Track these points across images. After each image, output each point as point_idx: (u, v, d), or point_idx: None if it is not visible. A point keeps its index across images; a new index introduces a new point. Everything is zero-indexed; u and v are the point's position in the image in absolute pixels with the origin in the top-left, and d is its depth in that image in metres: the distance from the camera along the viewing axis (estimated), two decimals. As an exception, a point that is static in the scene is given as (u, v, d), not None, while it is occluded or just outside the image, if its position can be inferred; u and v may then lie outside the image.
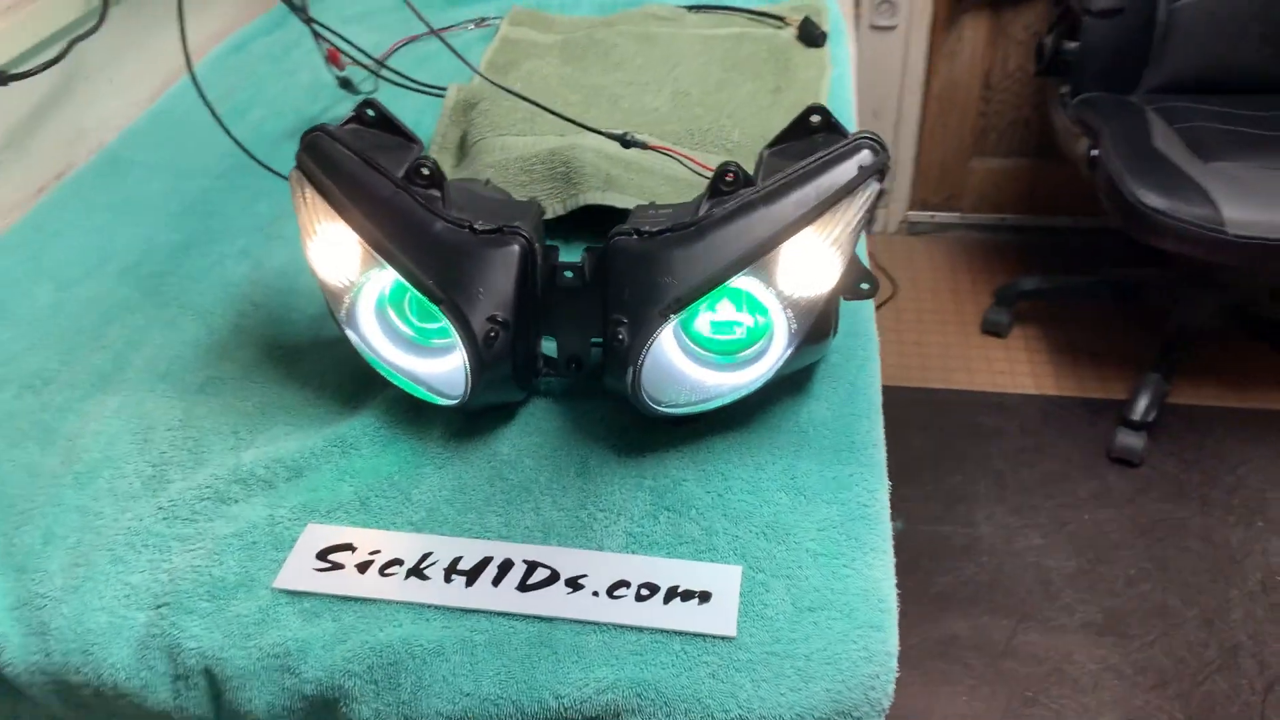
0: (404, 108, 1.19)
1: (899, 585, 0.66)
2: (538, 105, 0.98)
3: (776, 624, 0.63)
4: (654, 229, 0.73)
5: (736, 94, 1.16)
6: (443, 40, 1.17)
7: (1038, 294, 2.10)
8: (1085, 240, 2.30)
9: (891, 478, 0.74)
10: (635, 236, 0.73)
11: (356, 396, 0.81)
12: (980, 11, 2.14)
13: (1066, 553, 1.67)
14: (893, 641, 0.62)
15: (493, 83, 1.05)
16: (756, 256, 0.71)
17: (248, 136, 1.17)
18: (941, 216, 2.40)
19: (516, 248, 0.74)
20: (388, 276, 0.76)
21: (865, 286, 0.81)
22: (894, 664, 0.61)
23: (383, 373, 0.77)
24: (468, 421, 0.78)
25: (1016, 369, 2.02)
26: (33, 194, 1.09)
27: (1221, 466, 1.80)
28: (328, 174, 0.76)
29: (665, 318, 0.71)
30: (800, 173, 0.73)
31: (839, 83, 1.25)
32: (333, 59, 1.15)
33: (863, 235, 0.77)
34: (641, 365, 0.71)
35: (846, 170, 0.73)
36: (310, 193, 0.77)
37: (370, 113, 0.82)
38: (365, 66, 1.17)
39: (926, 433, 1.87)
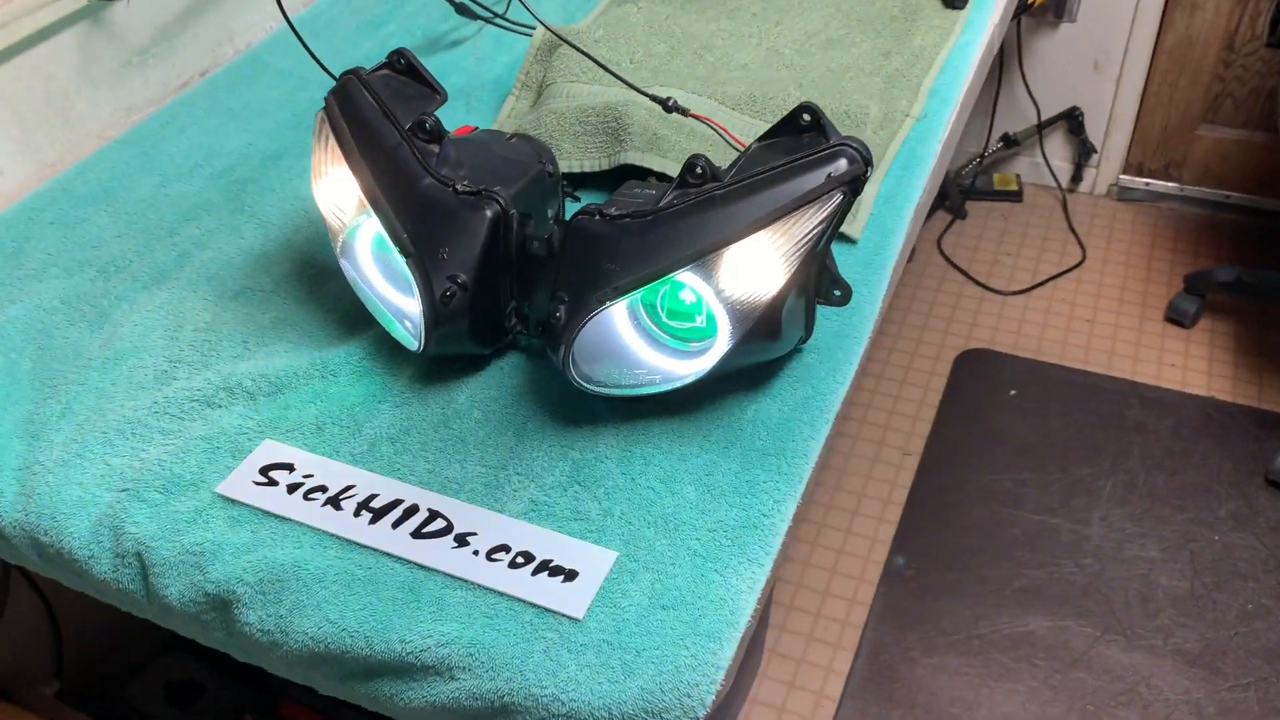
0: (513, 42, 1.23)
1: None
2: (595, 61, 0.99)
3: (625, 614, 0.66)
4: (615, 213, 0.75)
5: (841, 56, 1.13)
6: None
7: (1235, 286, 1.91)
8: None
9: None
10: (597, 218, 0.75)
11: (354, 325, 0.87)
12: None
13: (1182, 572, 1.56)
14: (727, 656, 0.64)
15: (555, 33, 1.07)
16: (702, 255, 0.72)
17: (376, 50, 1.25)
18: (1157, 185, 2.20)
19: (489, 212, 0.77)
20: (374, 225, 0.81)
21: (838, 293, 0.80)
22: (719, 677, 0.63)
23: (370, 307, 0.84)
24: (440, 365, 0.83)
25: (1191, 365, 1.86)
26: (174, 90, 1.21)
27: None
28: (347, 118, 0.82)
29: (602, 303, 0.73)
30: (766, 175, 0.73)
31: (960, 53, 1.18)
32: (449, -14, 1.20)
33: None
34: (573, 344, 0.74)
35: (814, 178, 0.72)
36: (327, 134, 0.83)
37: (401, 61, 0.87)
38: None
39: (1066, 418, 1.77)
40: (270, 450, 0.77)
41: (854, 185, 0.72)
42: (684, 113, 0.96)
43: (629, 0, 1.24)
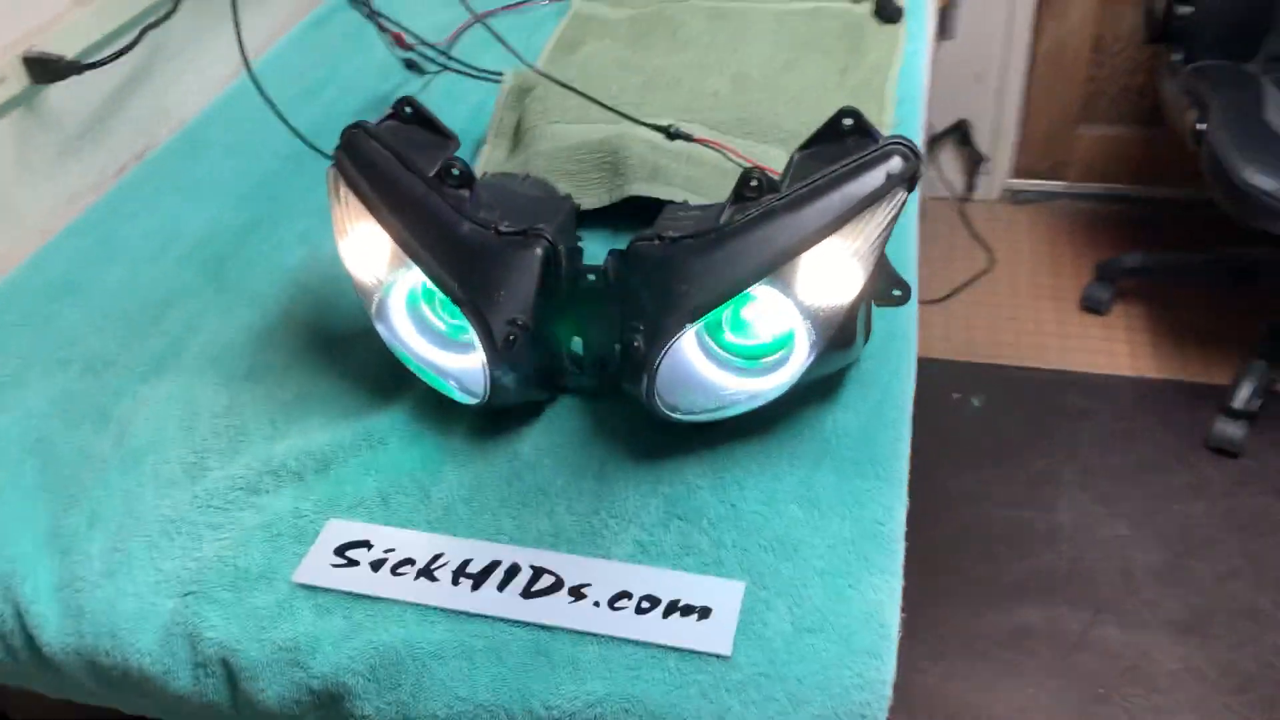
0: (466, 92, 1.20)
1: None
2: (587, 98, 0.98)
3: (773, 644, 0.63)
4: (675, 235, 0.73)
5: (802, 77, 1.14)
6: (489, 29, 1.16)
7: (1143, 271, 2.01)
8: (1197, 215, 2.18)
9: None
10: (656, 242, 0.73)
11: (389, 389, 0.82)
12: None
13: (1153, 546, 1.61)
14: (889, 670, 0.61)
15: (542, 74, 1.05)
16: (776, 266, 0.70)
17: (320, 114, 1.20)
18: (1046, 185, 2.31)
19: (539, 250, 0.74)
20: (417, 275, 0.77)
21: (897, 293, 0.79)
22: (888, 693, 0.61)
23: (411, 368, 0.79)
24: (493, 418, 0.79)
25: (1115, 349, 1.94)
26: (114, 174, 1.14)
27: (1331, 458, 1.70)
28: (363, 172, 0.78)
29: (682, 326, 0.71)
30: (826, 179, 0.71)
31: (911, 62, 1.21)
32: (398, 41, 1.16)
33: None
34: (656, 373, 0.71)
35: (874, 178, 0.71)
36: (345, 191, 0.78)
37: (408, 110, 0.83)
38: (431, 49, 1.18)
39: (1013, 414, 1.82)
40: (339, 530, 0.72)
41: (911, 182, 0.72)
42: (688, 138, 0.95)
43: (579, 45, 1.23)
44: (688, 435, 0.76)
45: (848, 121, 0.77)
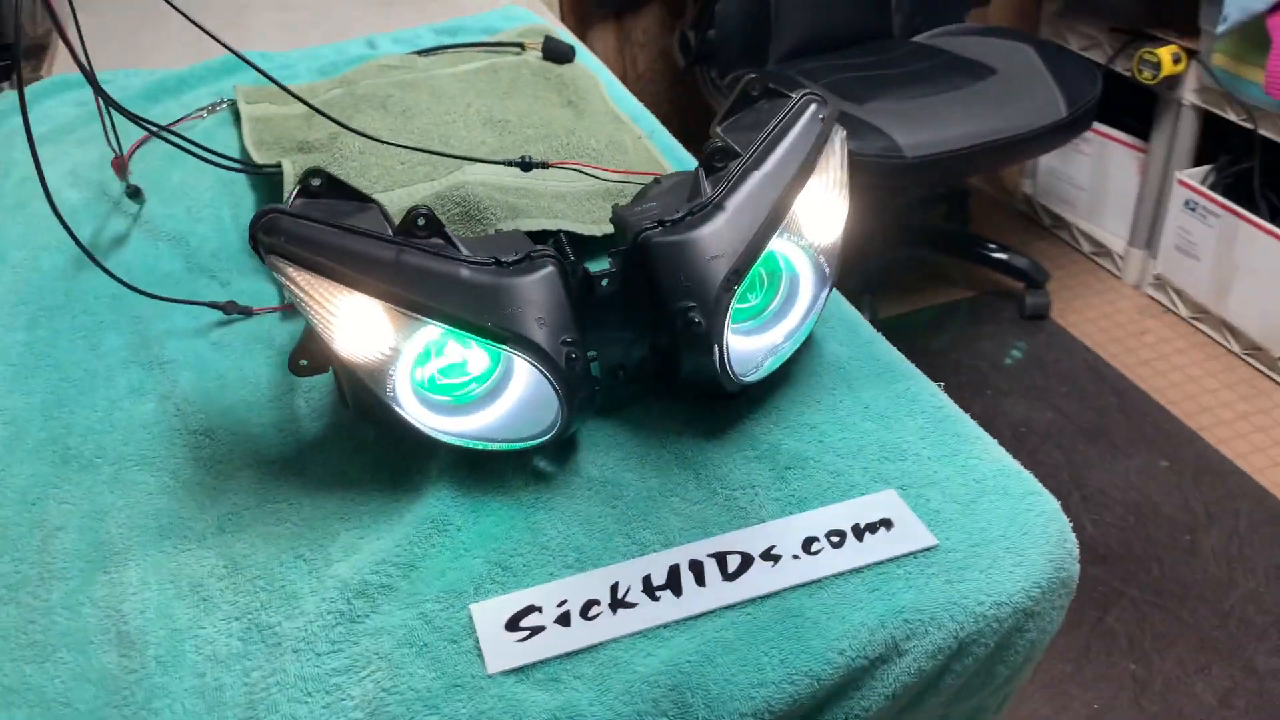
0: (182, 206, 1.08)
1: None
2: (425, 150, 0.94)
3: (958, 522, 0.67)
4: (674, 216, 0.75)
5: (546, 111, 1.18)
6: (176, 137, 1.07)
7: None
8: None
9: None
10: (659, 227, 0.74)
11: (397, 480, 0.74)
12: (606, 22, 2.28)
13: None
14: (1055, 501, 0.69)
15: (361, 133, 0.99)
16: (782, 217, 0.75)
17: (21, 281, 1.01)
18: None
19: (553, 267, 0.72)
20: (423, 339, 0.71)
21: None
22: (1065, 518, 0.68)
23: (442, 439, 0.72)
24: (529, 462, 0.74)
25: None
26: None
27: (937, 355, 2.06)
28: (310, 250, 0.70)
29: (730, 291, 0.73)
30: (774, 134, 0.78)
31: (613, 86, 1.30)
32: (117, 168, 1.02)
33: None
34: (726, 341, 0.73)
35: (813, 123, 0.79)
36: (301, 273, 0.70)
37: (316, 181, 0.76)
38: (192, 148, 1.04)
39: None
40: (489, 610, 0.64)
41: (837, 122, 0.81)
42: (544, 165, 0.95)
43: (288, 138, 1.16)
44: (717, 415, 0.77)
45: (754, 91, 0.84)
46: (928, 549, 0.66)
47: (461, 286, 0.70)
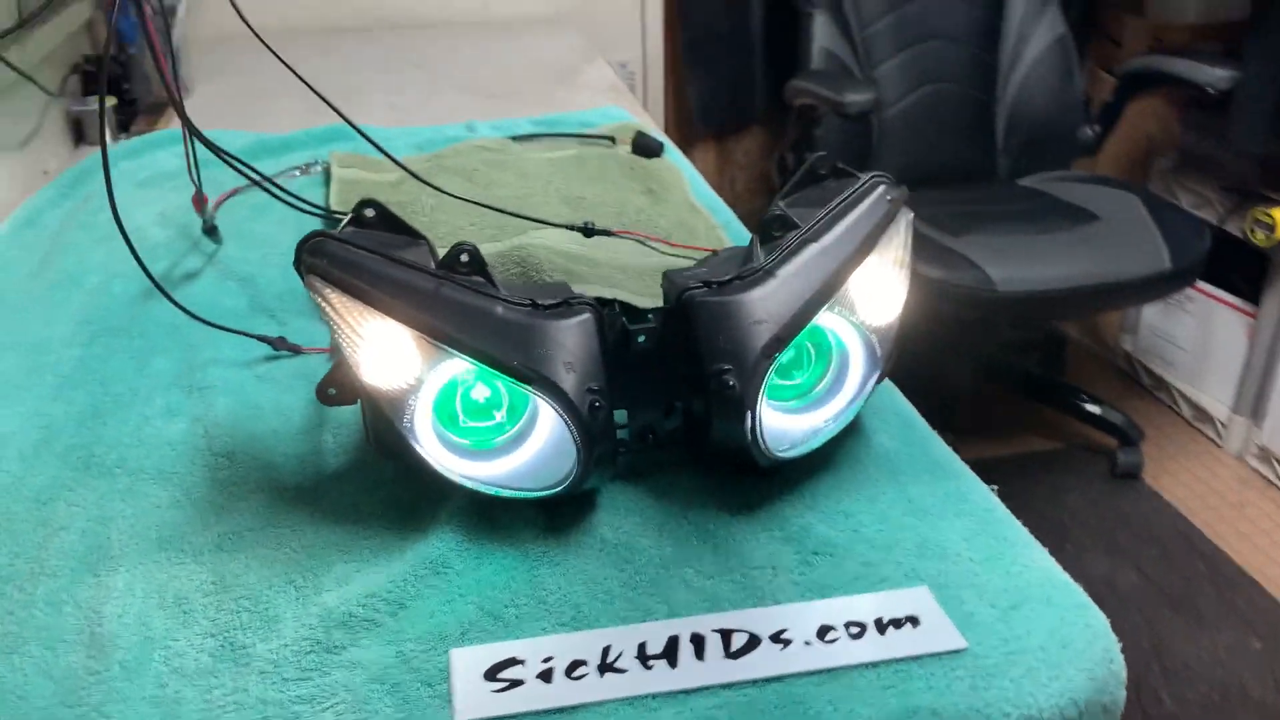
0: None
1: None
2: (492, 208, 0.94)
3: (994, 627, 0.61)
4: (722, 279, 0.72)
5: (621, 195, 1.18)
6: (274, 187, 1.09)
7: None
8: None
9: None
10: (704, 288, 0.72)
11: (407, 520, 0.71)
12: (707, 141, 2.32)
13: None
14: (1104, 617, 0.62)
15: (447, 193, 1.00)
16: (835, 290, 0.72)
17: (93, 304, 1.03)
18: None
19: (590, 315, 0.70)
20: (448, 372, 0.69)
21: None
22: (1114, 636, 0.61)
23: (456, 480, 0.69)
24: (550, 517, 0.71)
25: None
26: None
27: (1017, 505, 1.97)
28: (350, 273, 0.69)
29: (770, 358, 0.69)
30: (838, 209, 0.75)
31: (696, 181, 1.30)
32: (197, 204, 1.04)
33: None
34: (760, 409, 0.69)
35: (880, 202, 0.76)
36: (337, 295, 0.69)
37: (369, 212, 0.76)
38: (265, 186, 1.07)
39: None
40: (470, 657, 0.59)
41: (908, 207, 0.78)
42: (607, 233, 0.94)
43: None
44: (749, 493, 0.73)
45: (822, 170, 0.82)
46: (955, 651, 0.60)
47: (493, 323, 0.68)
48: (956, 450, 0.79)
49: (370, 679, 0.58)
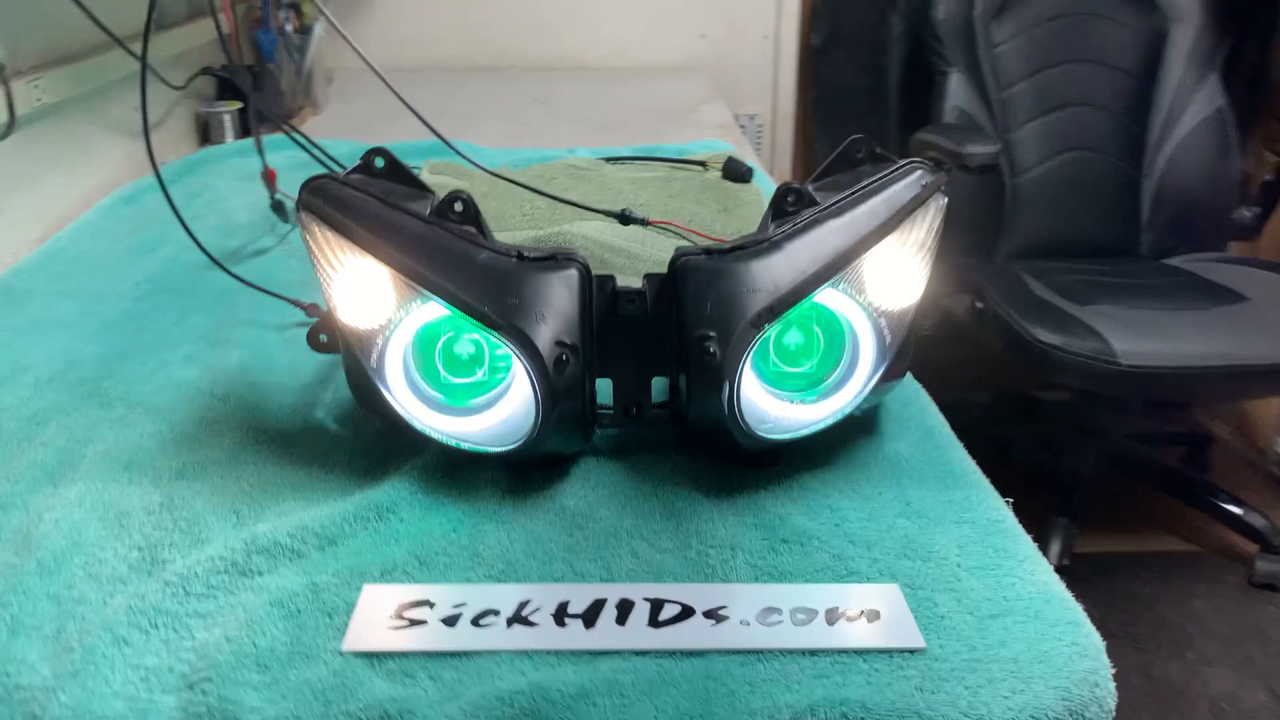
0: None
1: None
2: (538, 191, 0.93)
3: (964, 633, 0.54)
4: (723, 248, 0.68)
5: (692, 209, 1.15)
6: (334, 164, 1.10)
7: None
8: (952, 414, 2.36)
9: None
10: (704, 255, 0.67)
11: (373, 470, 0.68)
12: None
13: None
14: (1099, 640, 0.54)
15: (496, 174, 0.99)
16: (841, 267, 0.66)
17: (161, 268, 1.06)
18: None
19: (575, 272, 0.66)
20: (424, 315, 0.66)
21: (926, 326, 0.77)
22: (1107, 661, 0.53)
23: (418, 427, 0.66)
24: (516, 481, 0.67)
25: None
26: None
27: (1138, 605, 1.80)
28: (343, 212, 0.68)
29: (759, 328, 0.64)
30: (865, 189, 0.70)
31: (779, 206, 1.25)
32: (264, 180, 1.07)
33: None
34: (739, 380, 0.64)
35: (911, 186, 0.71)
36: (324, 231, 0.67)
37: (379, 162, 0.75)
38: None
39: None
40: (382, 593, 0.56)
41: (944, 192, 0.72)
42: (643, 222, 0.91)
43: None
44: (742, 478, 0.67)
45: (859, 152, 0.77)
46: (911, 650, 0.52)
47: (473, 268, 0.65)
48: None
49: (271, 602, 0.55)
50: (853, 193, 0.70)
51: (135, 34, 1.32)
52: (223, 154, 1.43)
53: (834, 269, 0.66)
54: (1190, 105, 2.01)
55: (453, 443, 0.66)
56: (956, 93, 1.97)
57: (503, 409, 0.68)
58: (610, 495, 0.65)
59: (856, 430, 0.73)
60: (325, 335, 0.73)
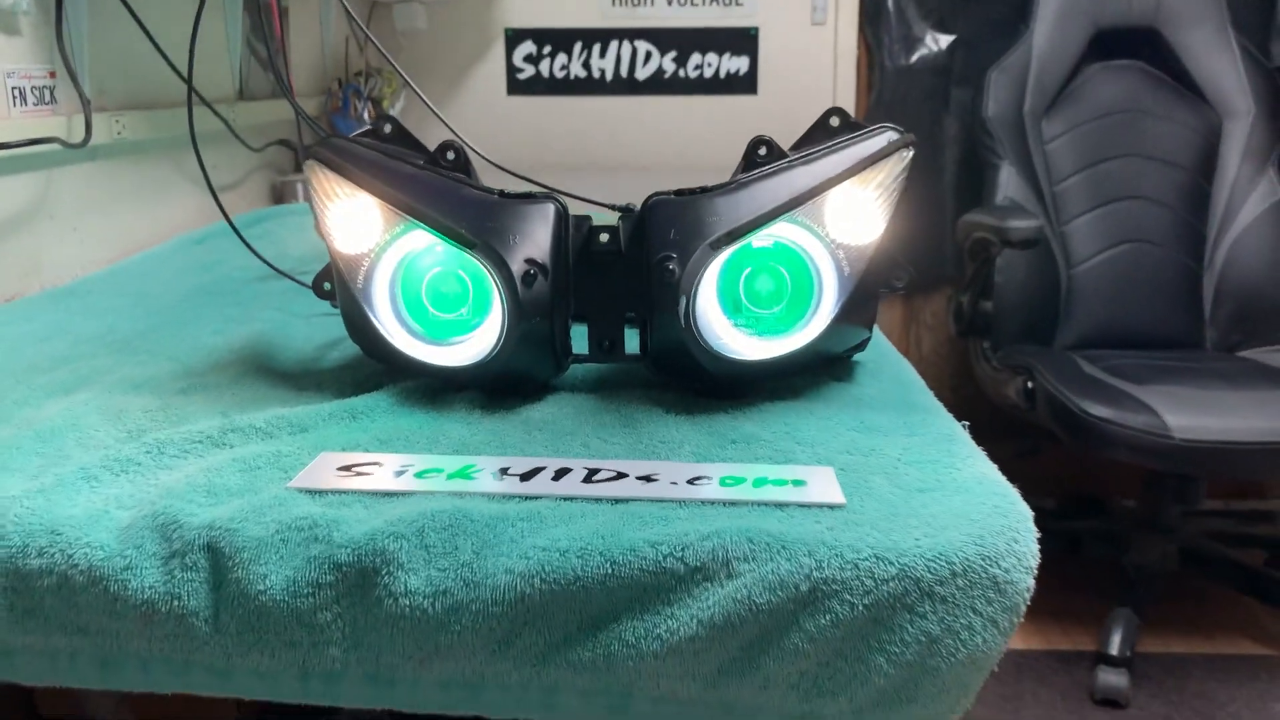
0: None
1: None
2: (545, 187, 0.98)
3: (890, 500, 0.54)
4: (692, 189, 0.72)
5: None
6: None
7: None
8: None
9: None
10: (673, 194, 0.72)
11: (358, 392, 0.72)
12: (894, 299, 2.29)
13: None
14: (1026, 509, 0.54)
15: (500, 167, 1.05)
16: (801, 202, 0.70)
17: (211, 281, 1.14)
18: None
19: (552, 206, 0.71)
20: (410, 243, 0.71)
21: (898, 284, 0.79)
22: (1033, 528, 0.53)
23: (397, 349, 0.70)
24: (488, 399, 0.70)
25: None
26: (-20, 305, 1.02)
27: (1212, 706, 1.70)
28: (345, 158, 0.74)
29: (716, 249, 0.68)
30: (835, 145, 0.74)
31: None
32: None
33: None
34: (695, 296, 0.67)
35: (879, 141, 0.74)
36: (326, 171, 0.74)
37: (388, 128, 0.81)
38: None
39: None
40: (330, 457, 0.59)
41: (911, 147, 0.75)
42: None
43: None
44: (706, 402, 0.70)
45: (835, 120, 0.81)
46: (830, 505, 0.53)
47: (456, 200, 0.71)
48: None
49: (234, 460, 0.59)
50: (823, 146, 0.74)
51: (218, 98, 1.45)
52: (290, 210, 1.54)
53: (794, 204, 0.70)
54: (1249, 199, 2.01)
55: (429, 361, 0.70)
56: (1008, 184, 2.01)
57: (479, 339, 0.72)
58: (574, 412, 0.68)
59: (826, 378, 0.75)
60: (328, 284, 0.79)
